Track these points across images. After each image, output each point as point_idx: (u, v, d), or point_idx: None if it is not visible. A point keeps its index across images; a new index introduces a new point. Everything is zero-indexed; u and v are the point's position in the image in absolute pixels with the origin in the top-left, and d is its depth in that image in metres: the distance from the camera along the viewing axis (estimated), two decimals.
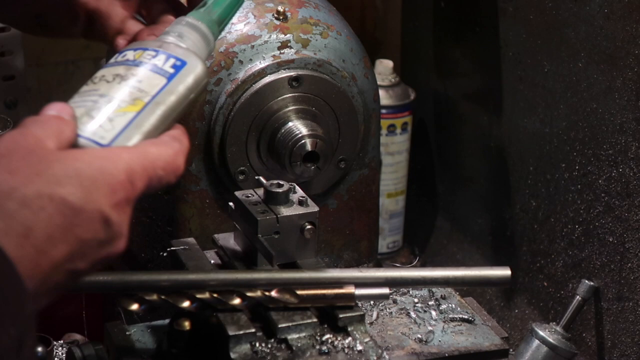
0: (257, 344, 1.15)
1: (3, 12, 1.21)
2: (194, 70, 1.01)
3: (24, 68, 2.08)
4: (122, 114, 0.96)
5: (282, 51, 1.53)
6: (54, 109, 0.97)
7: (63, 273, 0.88)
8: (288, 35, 1.54)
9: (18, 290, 0.84)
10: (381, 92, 1.87)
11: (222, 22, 1.10)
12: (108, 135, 0.95)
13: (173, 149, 0.97)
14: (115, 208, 0.91)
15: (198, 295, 1.16)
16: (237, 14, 1.50)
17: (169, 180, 0.98)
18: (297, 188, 1.33)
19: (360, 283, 1.21)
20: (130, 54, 1.01)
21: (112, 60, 1.02)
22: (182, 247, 1.32)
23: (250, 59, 1.53)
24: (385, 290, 1.21)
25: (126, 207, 0.93)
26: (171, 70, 1.00)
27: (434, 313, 1.31)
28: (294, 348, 1.16)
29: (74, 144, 0.94)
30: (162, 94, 0.99)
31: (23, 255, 0.85)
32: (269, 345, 1.16)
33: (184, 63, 1.01)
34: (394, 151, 2.12)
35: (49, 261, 0.87)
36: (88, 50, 2.20)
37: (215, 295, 1.16)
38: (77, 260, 0.89)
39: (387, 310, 1.31)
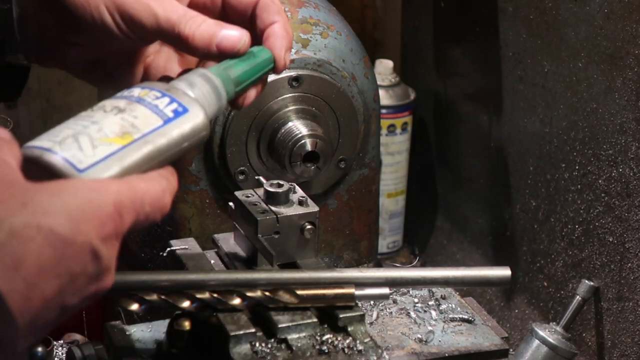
0: (257, 344, 1.15)
1: (62, 53, 1.14)
2: (194, 120, 0.99)
3: None
4: (107, 143, 0.94)
5: None
6: None
7: (54, 309, 0.84)
8: None
9: (9, 327, 0.81)
10: (381, 92, 1.87)
11: (240, 83, 1.09)
12: (86, 160, 0.92)
13: (161, 186, 0.95)
14: (105, 241, 0.87)
15: (198, 295, 1.16)
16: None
17: (155, 218, 0.95)
18: (297, 188, 1.33)
19: (360, 283, 1.21)
20: (136, 91, 1.00)
21: (119, 93, 1.01)
22: (182, 247, 1.32)
23: None
24: (385, 290, 1.21)
25: (115, 241, 0.89)
26: (170, 114, 0.98)
27: (434, 313, 1.31)
28: (294, 348, 1.16)
29: (50, 164, 0.91)
30: (154, 134, 0.97)
31: (13, 289, 0.81)
32: (269, 345, 1.16)
33: (185, 110, 1.00)
34: (394, 151, 2.12)
35: (40, 296, 0.83)
36: None
37: (215, 295, 1.16)
38: (67, 296, 0.85)
39: (387, 310, 1.31)
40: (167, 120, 0.98)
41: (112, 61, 1.15)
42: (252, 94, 1.12)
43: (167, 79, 1.09)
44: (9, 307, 0.80)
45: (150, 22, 1.06)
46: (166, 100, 0.99)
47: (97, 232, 0.87)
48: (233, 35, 1.08)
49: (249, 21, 1.12)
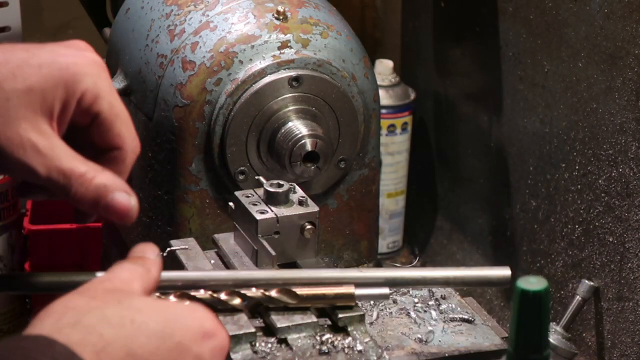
0: (257, 344, 1.15)
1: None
2: None
3: None
4: None
5: (282, 51, 1.53)
6: (138, 250, 0.99)
7: None
8: (288, 35, 1.54)
9: None
10: (381, 92, 1.87)
11: None
12: None
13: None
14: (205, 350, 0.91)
15: (198, 296, 1.16)
16: (237, 14, 1.50)
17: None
18: (297, 188, 1.33)
19: (360, 283, 1.21)
20: None
21: None
22: (182, 247, 1.32)
23: (250, 59, 1.53)
24: (385, 290, 1.21)
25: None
26: None
27: (434, 313, 1.31)
28: (294, 348, 1.16)
29: None
30: None
31: None
32: (269, 345, 1.16)
33: None
34: (394, 151, 2.12)
35: None
36: None
37: (215, 295, 1.16)
38: None
39: (387, 310, 1.31)
40: None
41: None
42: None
43: None
44: None
45: (36, 178, 1.01)
46: None
47: (194, 341, 0.90)
48: (121, 204, 1.02)
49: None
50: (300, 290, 1.18)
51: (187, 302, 0.97)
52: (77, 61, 1.02)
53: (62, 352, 0.83)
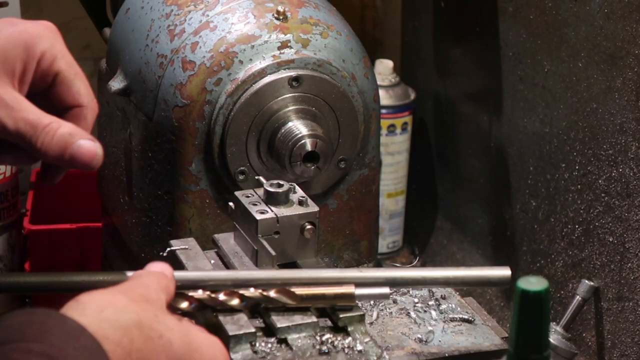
0: (257, 344, 1.15)
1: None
2: None
3: None
4: None
5: (282, 51, 1.53)
6: (157, 267, 1.04)
7: None
8: (288, 35, 1.54)
9: None
10: (381, 92, 1.87)
11: None
12: None
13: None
14: None
15: (197, 296, 1.16)
16: (237, 14, 1.50)
17: None
18: (297, 188, 1.33)
19: (360, 283, 1.21)
20: None
21: None
22: (182, 247, 1.32)
23: (250, 59, 1.53)
24: (385, 290, 1.21)
25: None
26: None
27: (434, 313, 1.31)
28: (294, 348, 1.16)
29: None
30: None
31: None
32: (269, 345, 1.16)
33: None
34: (394, 151, 2.12)
35: None
36: (88, 50, 2.20)
37: (214, 295, 1.16)
38: None
39: (387, 310, 1.31)
40: None
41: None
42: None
43: None
44: None
45: (4, 133, 1.05)
46: None
47: None
48: (87, 150, 1.06)
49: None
50: (301, 291, 1.18)
51: (207, 333, 1.02)
52: (34, 26, 1.08)
53: (88, 345, 0.85)
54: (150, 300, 0.96)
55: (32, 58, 1.07)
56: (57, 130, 1.06)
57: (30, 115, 1.05)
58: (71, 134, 1.06)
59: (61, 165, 1.10)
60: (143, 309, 0.92)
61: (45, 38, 1.08)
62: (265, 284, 1.18)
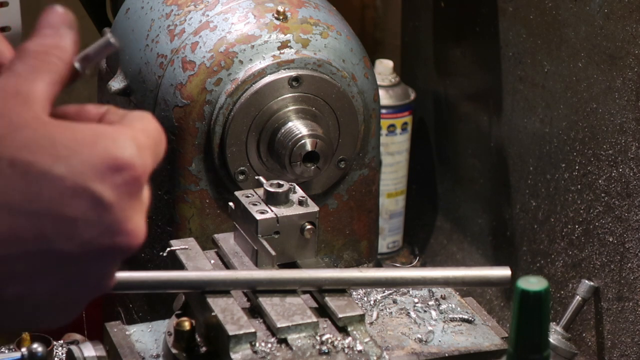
0: (257, 344, 1.15)
1: None
2: None
3: None
4: None
5: (282, 51, 1.53)
6: (48, 25, 0.82)
7: (33, 251, 0.72)
8: (288, 35, 1.54)
9: None
10: (381, 92, 1.87)
11: None
12: None
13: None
14: (114, 188, 0.74)
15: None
16: (237, 14, 1.50)
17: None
18: (297, 188, 1.33)
19: (360, 283, 1.21)
20: None
21: None
22: (182, 247, 1.32)
23: (250, 59, 1.53)
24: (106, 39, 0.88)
25: (133, 189, 0.76)
26: None
27: (434, 313, 1.31)
28: (294, 348, 1.16)
29: None
30: None
31: None
32: (269, 345, 1.16)
33: None
34: (394, 151, 2.12)
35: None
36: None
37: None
38: (55, 240, 0.73)
39: (387, 310, 1.31)
40: None
41: None
42: None
43: None
44: None
45: None
46: None
47: (98, 175, 0.74)
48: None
49: None
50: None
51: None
52: None
53: None
54: (16, 93, 0.77)
55: None
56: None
57: None
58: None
59: None
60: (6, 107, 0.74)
61: None
62: (265, 284, 1.18)
